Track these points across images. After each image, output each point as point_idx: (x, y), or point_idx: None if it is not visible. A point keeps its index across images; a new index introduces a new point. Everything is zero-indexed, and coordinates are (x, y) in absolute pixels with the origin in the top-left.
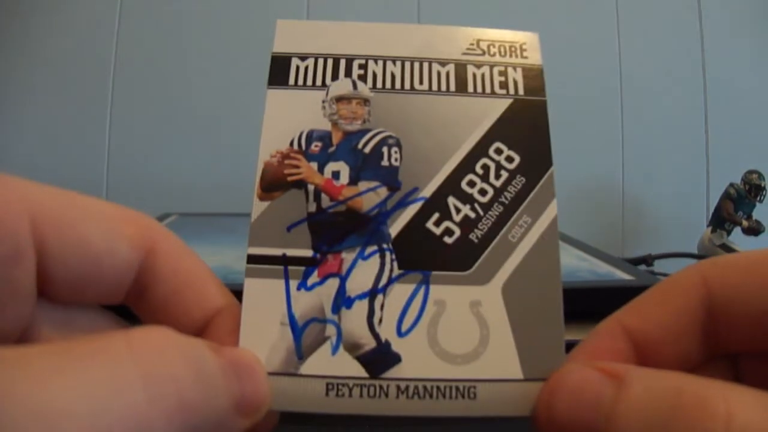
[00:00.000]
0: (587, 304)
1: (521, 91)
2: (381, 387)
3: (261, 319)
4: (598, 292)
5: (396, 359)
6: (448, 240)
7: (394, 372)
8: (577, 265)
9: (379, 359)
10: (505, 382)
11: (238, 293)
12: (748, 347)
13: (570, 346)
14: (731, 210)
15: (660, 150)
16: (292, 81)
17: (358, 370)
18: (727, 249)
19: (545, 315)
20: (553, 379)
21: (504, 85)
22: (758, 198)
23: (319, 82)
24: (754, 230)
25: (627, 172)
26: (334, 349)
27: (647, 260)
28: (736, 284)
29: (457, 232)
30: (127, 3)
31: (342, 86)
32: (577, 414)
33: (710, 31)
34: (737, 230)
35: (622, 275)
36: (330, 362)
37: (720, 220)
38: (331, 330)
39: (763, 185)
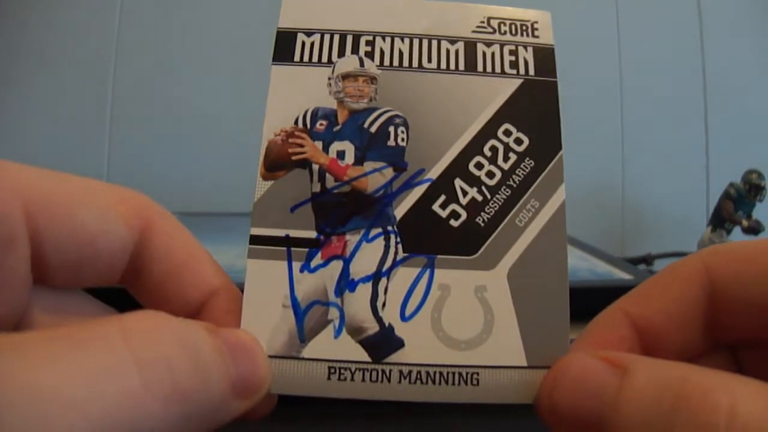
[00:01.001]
0: (587, 303)
1: (532, 71)
2: (383, 372)
3: (263, 301)
4: (597, 292)
5: (399, 344)
6: (454, 223)
7: (396, 357)
8: (577, 264)
9: (382, 343)
10: (509, 369)
11: (240, 290)
12: (750, 336)
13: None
14: (731, 209)
15: (660, 150)
16: (297, 57)
17: (360, 354)
18: None
19: (551, 302)
20: (556, 367)
21: (514, 64)
22: (758, 197)
23: (325, 59)
24: (754, 230)
25: (627, 172)
26: (337, 333)
27: (647, 260)
28: (737, 272)
29: (464, 215)
30: (127, 2)
31: (348, 63)
32: (579, 402)
33: (710, 31)
34: (737, 230)
35: (622, 275)
36: (332, 346)
37: (720, 220)
38: (334, 313)
39: (762, 185)
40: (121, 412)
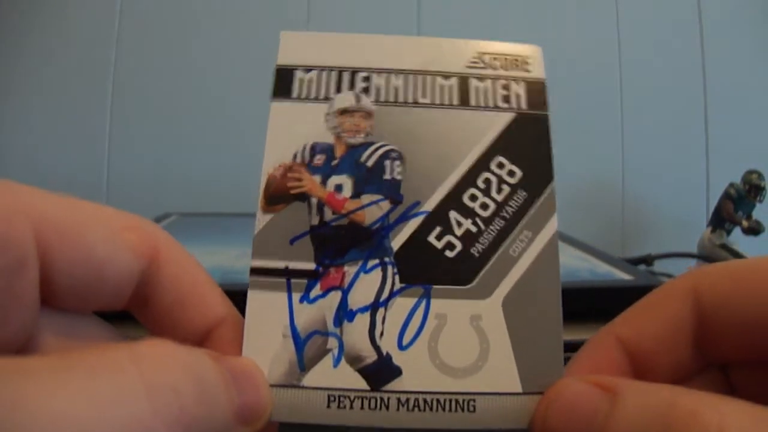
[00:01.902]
0: (587, 304)
1: (524, 105)
2: (382, 399)
3: (264, 331)
4: (597, 292)
5: (397, 372)
6: (449, 254)
7: (394, 385)
8: (577, 265)
9: (380, 372)
10: (504, 396)
11: (238, 293)
12: (740, 356)
13: (570, 345)
14: (731, 210)
15: (660, 150)
16: (295, 93)
17: (359, 383)
18: (727, 249)
19: (544, 329)
20: (549, 392)
21: (507, 99)
22: (758, 198)
23: (322, 95)
24: (753, 230)
25: (627, 172)
26: (336, 362)
27: (647, 260)
28: (726, 293)
29: (459, 246)
30: (127, 2)
31: (345, 99)
32: (572, 427)
33: (710, 31)
34: (737, 230)
35: (622, 275)
36: (332, 374)
37: (720, 220)
38: (333, 343)
39: (762, 185)
40: None
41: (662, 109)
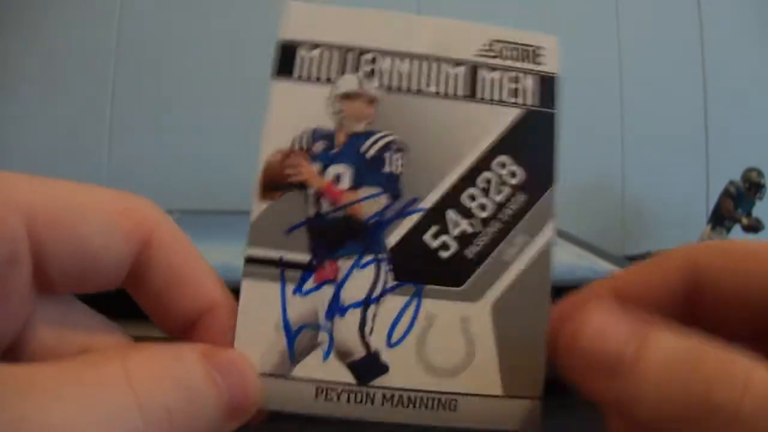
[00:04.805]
0: None
1: (531, 101)
2: (368, 394)
3: (256, 321)
4: None
5: (384, 369)
6: (443, 254)
7: (381, 381)
8: (576, 262)
9: (367, 367)
10: (485, 398)
11: (237, 291)
12: (732, 329)
13: None
14: (731, 207)
15: (660, 149)
16: (297, 73)
17: (347, 377)
18: None
19: (530, 336)
20: (576, 317)
21: (515, 92)
22: (758, 195)
23: (325, 77)
24: (753, 228)
25: (627, 171)
26: (326, 355)
27: (647, 257)
28: (724, 265)
29: (453, 246)
30: (127, 2)
31: (348, 83)
32: (596, 357)
33: (710, 30)
34: (737, 227)
35: None
36: (321, 367)
37: (719, 218)
38: (323, 336)
39: (762, 183)
40: None
41: (662, 108)
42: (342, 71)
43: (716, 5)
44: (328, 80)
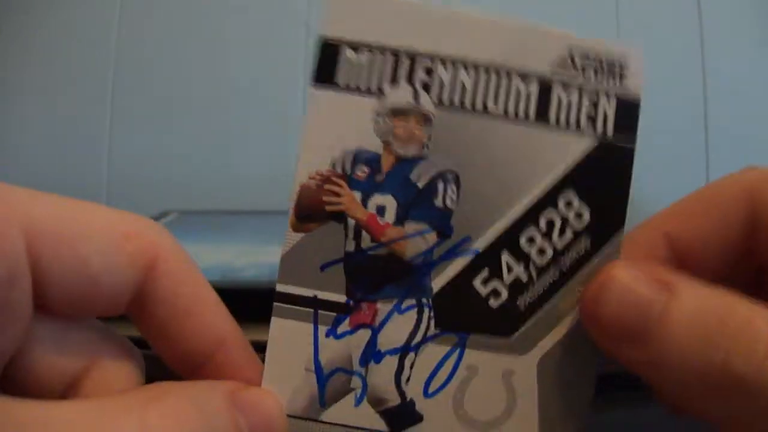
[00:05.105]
0: None
1: (609, 131)
2: None
3: (286, 362)
4: None
5: (418, 418)
6: (493, 303)
7: (413, 430)
8: None
9: (401, 416)
10: None
11: (236, 291)
12: None
13: None
14: None
15: (660, 149)
16: (342, 80)
17: (379, 424)
18: None
19: (575, 393)
20: (602, 275)
21: (592, 118)
22: None
23: (374, 87)
24: None
25: None
26: (358, 401)
27: None
28: None
29: (505, 294)
30: (127, 2)
31: (401, 96)
32: (624, 313)
33: (710, 30)
34: None
35: None
36: (352, 413)
37: None
38: (356, 382)
39: None
40: None
41: (662, 108)
42: (393, 79)
43: (716, 7)
44: (378, 91)
